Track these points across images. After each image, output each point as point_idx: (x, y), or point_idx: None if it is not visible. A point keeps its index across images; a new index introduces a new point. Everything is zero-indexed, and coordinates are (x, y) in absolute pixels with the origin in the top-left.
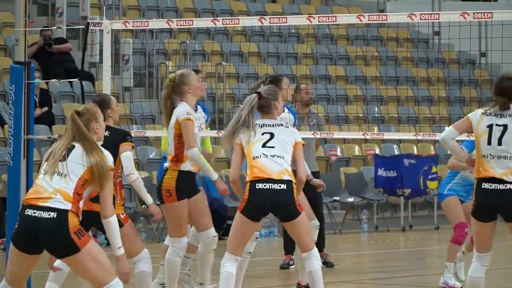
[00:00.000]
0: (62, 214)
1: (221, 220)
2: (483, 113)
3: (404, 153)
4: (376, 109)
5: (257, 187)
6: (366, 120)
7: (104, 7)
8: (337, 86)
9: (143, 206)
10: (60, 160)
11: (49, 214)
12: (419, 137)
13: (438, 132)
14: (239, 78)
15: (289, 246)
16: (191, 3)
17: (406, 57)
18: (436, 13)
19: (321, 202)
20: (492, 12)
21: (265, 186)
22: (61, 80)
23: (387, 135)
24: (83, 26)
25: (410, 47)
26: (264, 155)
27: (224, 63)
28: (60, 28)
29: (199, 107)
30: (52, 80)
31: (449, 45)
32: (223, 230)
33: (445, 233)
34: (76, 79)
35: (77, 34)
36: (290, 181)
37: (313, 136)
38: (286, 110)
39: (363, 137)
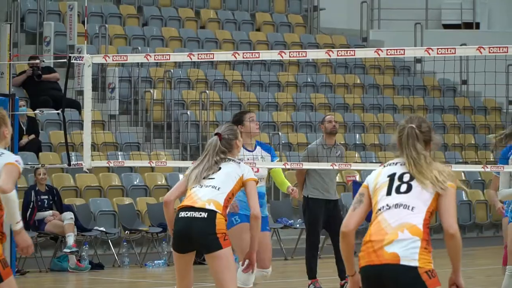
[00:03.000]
0: None
1: None
2: None
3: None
4: (357, 136)
5: (179, 215)
6: (347, 147)
7: (86, 41)
8: (319, 113)
9: (126, 232)
10: None
11: None
12: None
13: None
14: (223, 106)
15: (313, 270)
16: (177, 33)
17: (388, 84)
18: (402, 49)
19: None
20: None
21: (186, 214)
22: (44, 112)
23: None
24: (65, 60)
25: (392, 74)
26: (200, 185)
27: (208, 91)
28: (43, 61)
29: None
30: (36, 111)
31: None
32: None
33: None
34: (59, 111)
35: (64, 62)
36: (214, 211)
37: (331, 168)
38: (258, 147)
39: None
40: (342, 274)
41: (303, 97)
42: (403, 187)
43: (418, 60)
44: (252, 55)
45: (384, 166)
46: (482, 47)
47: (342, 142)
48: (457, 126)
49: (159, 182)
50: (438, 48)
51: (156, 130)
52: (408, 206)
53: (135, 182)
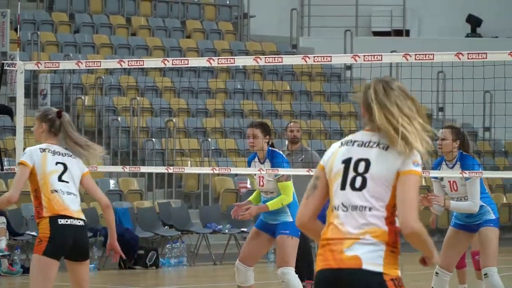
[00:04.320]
0: None
1: (132, 250)
2: None
3: None
4: (286, 142)
5: (59, 222)
6: None
7: (18, 47)
8: (249, 119)
9: None
10: None
11: None
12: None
13: None
14: (153, 112)
15: (306, 271)
16: (108, 39)
17: (317, 91)
18: (329, 56)
19: None
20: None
21: (67, 222)
22: None
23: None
24: None
25: (322, 81)
26: (62, 191)
27: (138, 98)
28: None
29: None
30: None
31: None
32: (134, 259)
33: None
34: None
35: None
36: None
37: (307, 173)
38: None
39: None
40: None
41: (233, 103)
42: (358, 182)
43: (348, 67)
44: (181, 62)
45: (341, 144)
46: (409, 54)
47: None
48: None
49: None
50: (365, 55)
51: (87, 136)
52: (365, 207)
53: None
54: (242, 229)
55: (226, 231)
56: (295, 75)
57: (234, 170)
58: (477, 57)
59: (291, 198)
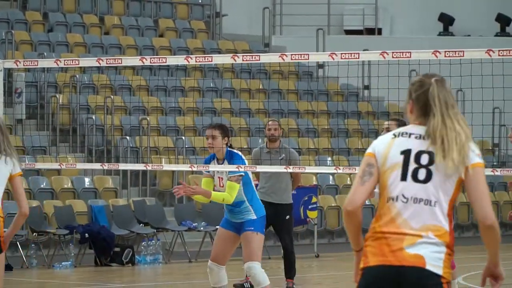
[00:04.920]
0: None
1: (108, 247)
2: None
3: None
4: (260, 140)
5: None
6: (250, 151)
7: None
8: (223, 118)
9: (34, 234)
10: None
11: None
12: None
13: (324, 163)
14: (127, 111)
15: (288, 271)
16: (81, 38)
17: (290, 89)
18: (306, 54)
19: (287, 230)
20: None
21: None
22: None
23: (259, 168)
24: None
25: (295, 79)
26: None
27: (113, 96)
28: None
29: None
30: None
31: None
32: (110, 257)
33: (325, 260)
34: None
35: None
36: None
37: (285, 171)
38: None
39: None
40: (288, 274)
41: (207, 102)
42: (421, 174)
43: (321, 66)
44: (159, 60)
45: (395, 136)
46: (386, 52)
47: (244, 147)
48: (359, 130)
49: (66, 186)
50: (342, 53)
51: (62, 134)
52: (430, 202)
53: (42, 185)
54: (217, 227)
55: (201, 228)
56: (268, 74)
57: (212, 168)
58: (454, 55)
59: (232, 200)
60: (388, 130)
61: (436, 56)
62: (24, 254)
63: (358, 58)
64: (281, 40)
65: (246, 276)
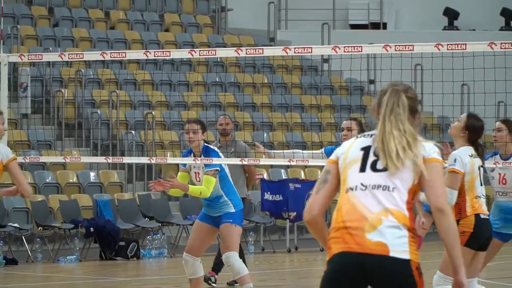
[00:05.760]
0: None
1: (113, 241)
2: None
3: (292, 177)
4: (265, 135)
5: None
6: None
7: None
8: (228, 113)
9: (39, 228)
10: None
11: None
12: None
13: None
14: (132, 105)
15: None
16: (87, 33)
17: (295, 83)
18: (309, 47)
19: None
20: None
21: None
22: None
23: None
24: None
25: (299, 73)
26: None
27: (118, 91)
28: None
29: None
30: None
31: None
32: (115, 251)
33: None
34: None
35: None
36: None
37: (240, 163)
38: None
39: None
40: (215, 267)
41: (211, 96)
42: (380, 164)
43: (326, 60)
44: (163, 54)
45: (357, 137)
46: (389, 45)
47: (249, 141)
48: (364, 124)
49: (71, 180)
50: (345, 47)
51: (67, 129)
52: (388, 187)
53: (47, 180)
54: None
55: None
56: (273, 68)
57: (215, 161)
58: (456, 48)
59: (208, 193)
60: (349, 129)
61: (439, 49)
62: (29, 248)
63: (361, 51)
64: (287, 34)
65: (210, 270)
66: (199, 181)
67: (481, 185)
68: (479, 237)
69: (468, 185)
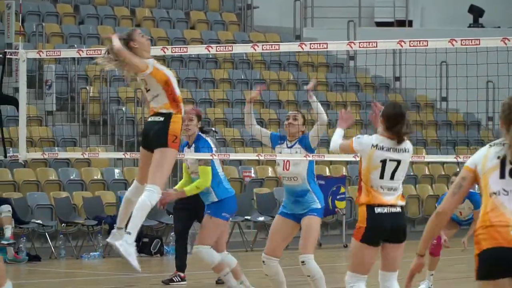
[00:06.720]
0: None
1: (137, 238)
2: None
3: (316, 174)
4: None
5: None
6: None
7: (20, 37)
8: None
9: (63, 224)
10: None
11: None
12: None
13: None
14: None
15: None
16: (113, 31)
17: (321, 80)
18: (324, 43)
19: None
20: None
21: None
22: None
23: (278, 156)
24: (1, 55)
25: (325, 71)
26: None
27: (143, 88)
28: None
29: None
30: None
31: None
32: (138, 247)
33: None
34: None
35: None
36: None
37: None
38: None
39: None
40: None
41: (237, 93)
42: None
43: (351, 57)
44: (180, 50)
45: (490, 146)
46: (403, 41)
47: None
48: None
49: (95, 177)
50: (360, 42)
51: (92, 126)
52: None
53: (71, 177)
54: (246, 217)
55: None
56: (299, 65)
57: (233, 156)
58: (470, 43)
59: (207, 183)
60: (295, 119)
61: (453, 45)
62: (52, 245)
63: (376, 47)
64: (312, 32)
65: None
66: (189, 168)
67: None
68: None
69: None
